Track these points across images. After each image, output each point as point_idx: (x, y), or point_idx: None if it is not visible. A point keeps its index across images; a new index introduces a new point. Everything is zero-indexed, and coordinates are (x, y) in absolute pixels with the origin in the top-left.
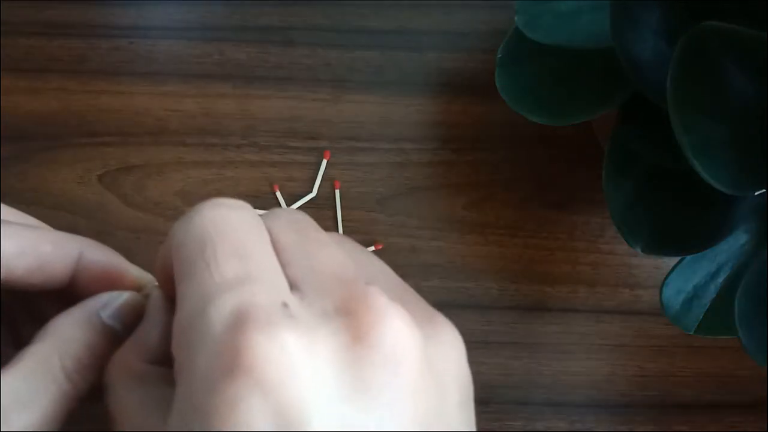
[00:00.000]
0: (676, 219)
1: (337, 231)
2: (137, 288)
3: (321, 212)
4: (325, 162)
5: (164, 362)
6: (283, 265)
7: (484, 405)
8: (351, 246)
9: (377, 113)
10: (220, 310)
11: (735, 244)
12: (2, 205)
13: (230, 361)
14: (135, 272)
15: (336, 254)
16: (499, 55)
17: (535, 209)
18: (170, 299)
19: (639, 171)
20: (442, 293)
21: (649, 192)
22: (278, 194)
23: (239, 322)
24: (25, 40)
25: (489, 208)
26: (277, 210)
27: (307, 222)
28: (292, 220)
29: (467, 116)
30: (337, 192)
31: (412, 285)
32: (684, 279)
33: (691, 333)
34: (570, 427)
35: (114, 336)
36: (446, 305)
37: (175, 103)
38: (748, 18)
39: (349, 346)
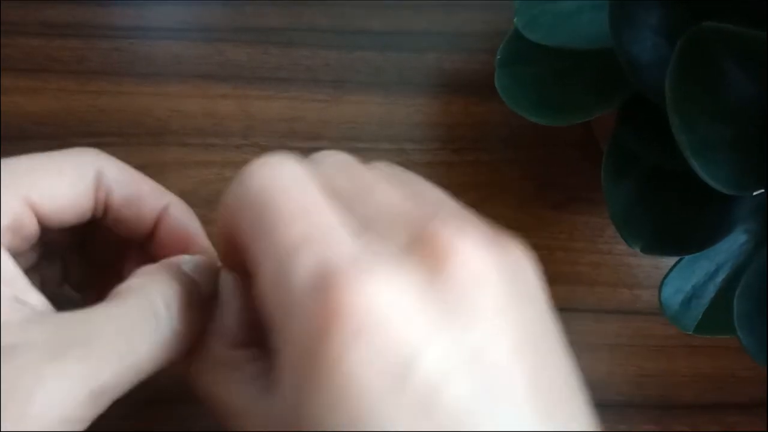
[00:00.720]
0: (676, 219)
1: None
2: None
3: None
4: None
5: (247, 345)
6: (345, 211)
7: None
8: (401, 176)
9: (377, 114)
10: (301, 270)
11: (734, 244)
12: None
13: (327, 316)
14: (207, 243)
15: (392, 192)
16: (499, 56)
17: (535, 209)
18: (236, 275)
19: (638, 171)
20: None
21: (649, 192)
22: None
23: (325, 277)
24: (24, 40)
25: (489, 208)
26: (319, 155)
27: (353, 161)
28: (339, 163)
29: (467, 117)
30: None
31: None
32: (683, 279)
33: (690, 332)
34: None
35: (195, 290)
36: None
37: (176, 103)
38: (748, 18)
39: (434, 277)
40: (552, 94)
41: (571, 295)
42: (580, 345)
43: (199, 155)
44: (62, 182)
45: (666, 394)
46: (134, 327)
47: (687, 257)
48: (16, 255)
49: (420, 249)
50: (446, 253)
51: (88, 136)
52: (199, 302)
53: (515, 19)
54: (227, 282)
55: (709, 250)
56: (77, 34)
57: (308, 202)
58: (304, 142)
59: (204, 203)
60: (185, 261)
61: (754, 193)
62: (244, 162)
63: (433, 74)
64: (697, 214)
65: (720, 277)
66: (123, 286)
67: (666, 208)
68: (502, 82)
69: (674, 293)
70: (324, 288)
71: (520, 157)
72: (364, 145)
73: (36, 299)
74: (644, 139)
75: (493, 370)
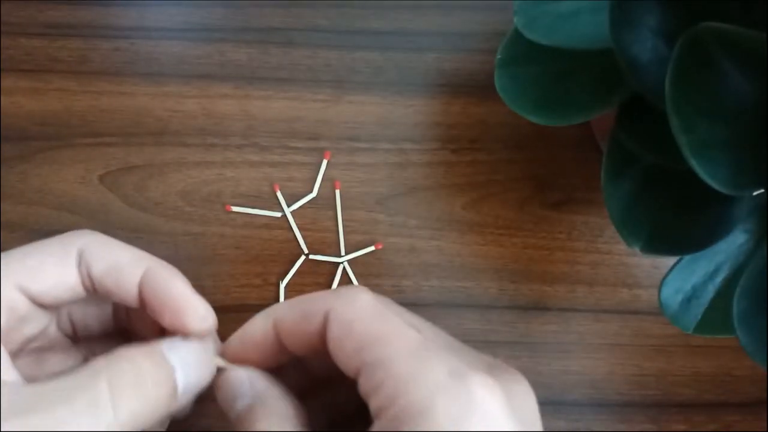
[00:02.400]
0: (675, 219)
1: (338, 231)
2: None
3: (321, 212)
4: (325, 162)
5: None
6: None
7: None
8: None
9: (377, 114)
10: (442, 368)
11: (733, 244)
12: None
13: (468, 399)
14: (192, 299)
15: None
16: (499, 56)
17: (534, 209)
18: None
19: (637, 171)
20: (441, 293)
21: (648, 192)
22: (279, 194)
23: (461, 376)
24: (26, 41)
25: (488, 208)
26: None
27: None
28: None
29: (466, 117)
30: (338, 192)
31: (411, 285)
32: (682, 279)
33: (689, 332)
34: (569, 426)
35: (167, 375)
36: (445, 305)
37: (176, 103)
38: (747, 19)
39: (505, 389)
40: (551, 95)
41: (570, 295)
42: (579, 345)
43: (200, 155)
44: (47, 264)
45: (665, 394)
46: (72, 407)
47: (686, 257)
48: (14, 329)
49: (492, 374)
50: (512, 378)
51: (89, 136)
52: (170, 386)
53: (515, 20)
54: (258, 376)
55: (709, 251)
56: (78, 35)
57: (413, 322)
58: (304, 142)
59: (204, 203)
60: (170, 345)
61: (754, 193)
62: (245, 162)
63: (432, 74)
64: (696, 215)
65: (719, 278)
66: (88, 364)
67: (665, 208)
68: (501, 82)
69: (674, 293)
70: (462, 381)
71: (519, 157)
72: (364, 144)
73: (11, 375)
74: (643, 139)
75: None
